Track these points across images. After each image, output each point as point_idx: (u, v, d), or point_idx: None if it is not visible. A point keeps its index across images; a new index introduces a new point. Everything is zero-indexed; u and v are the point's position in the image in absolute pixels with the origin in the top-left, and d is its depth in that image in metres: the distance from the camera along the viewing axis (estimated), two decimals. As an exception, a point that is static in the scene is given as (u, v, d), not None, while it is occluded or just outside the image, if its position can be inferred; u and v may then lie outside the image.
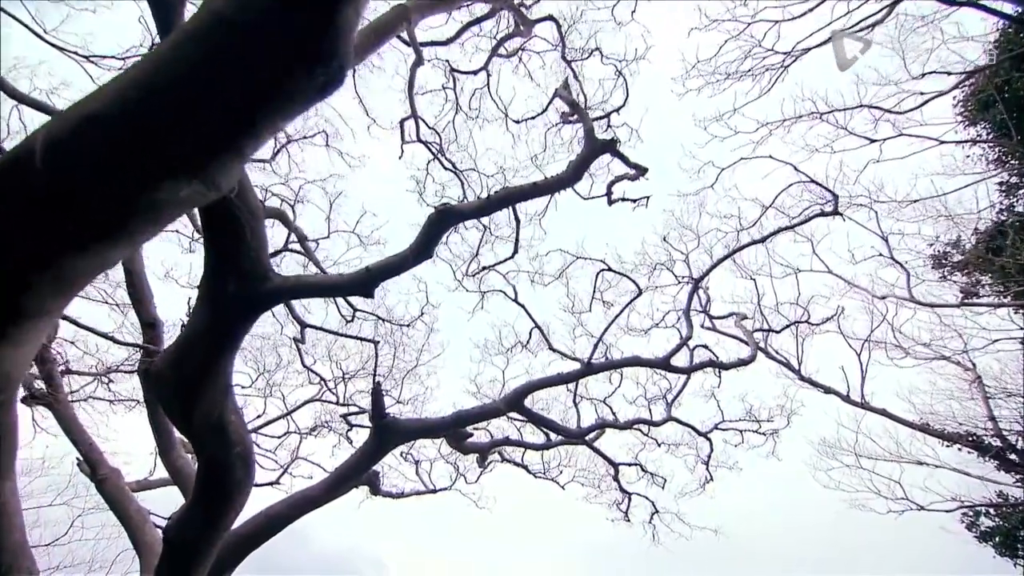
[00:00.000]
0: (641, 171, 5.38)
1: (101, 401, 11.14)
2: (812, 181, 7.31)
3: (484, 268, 7.21)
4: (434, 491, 9.07)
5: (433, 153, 8.71)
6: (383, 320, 7.79)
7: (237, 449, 4.40)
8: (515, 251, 6.15)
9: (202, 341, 3.82)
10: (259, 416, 9.43)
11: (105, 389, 10.97)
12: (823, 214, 7.25)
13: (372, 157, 10.55)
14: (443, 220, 4.05)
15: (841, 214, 7.20)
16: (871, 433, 11.39)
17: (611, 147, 4.68)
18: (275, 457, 10.92)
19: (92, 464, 7.57)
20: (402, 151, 8.81)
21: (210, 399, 4.01)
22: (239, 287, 3.79)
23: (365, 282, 3.99)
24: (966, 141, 8.53)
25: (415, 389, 8.97)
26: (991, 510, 11.49)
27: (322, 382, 9.42)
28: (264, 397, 9.59)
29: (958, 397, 10.85)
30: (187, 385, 3.88)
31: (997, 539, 11.59)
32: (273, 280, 3.86)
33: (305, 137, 10.10)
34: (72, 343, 9.29)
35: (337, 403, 8.79)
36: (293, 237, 7.38)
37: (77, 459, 8.03)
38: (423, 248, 4.07)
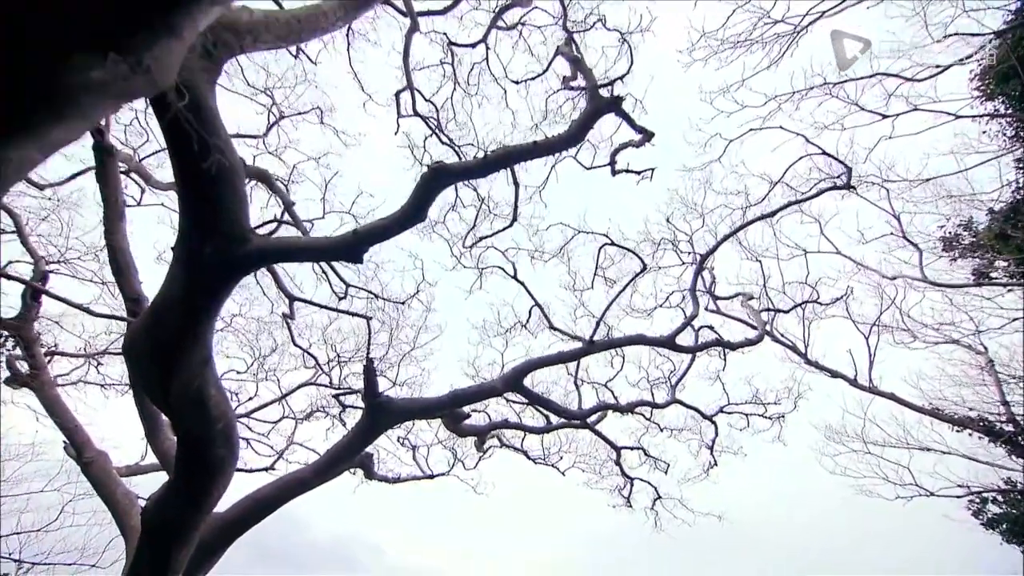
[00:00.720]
0: (647, 136, 5.09)
1: (92, 385, 10.97)
2: (824, 153, 7.01)
3: (481, 238, 6.92)
4: (431, 476, 8.85)
5: (431, 127, 8.39)
6: (377, 297, 7.51)
7: (219, 425, 4.15)
8: (514, 219, 5.86)
9: (178, 306, 3.54)
10: (251, 398, 9.20)
11: (96, 372, 10.80)
12: (836, 187, 6.96)
13: (368, 136, 10.25)
14: (436, 179, 3.77)
15: (854, 187, 6.91)
16: (877, 419, 11.19)
17: (616, 106, 4.38)
18: (269, 443, 10.74)
19: (78, 447, 7.34)
20: (398, 125, 8.51)
21: (188, 369, 3.75)
22: (216, 248, 3.52)
23: (352, 245, 3.72)
24: (984, 115, 8.21)
25: (412, 371, 8.73)
26: (999, 497, 11.30)
27: (316, 365, 9.19)
28: (256, 381, 9.35)
29: (967, 383, 10.64)
30: (162, 352, 3.62)
31: (1004, 526, 11.41)
32: (253, 241, 3.58)
33: (299, 113, 9.82)
34: (58, 323, 9.06)
35: (330, 386, 8.54)
36: (280, 207, 7.06)
37: (64, 442, 7.81)
38: (415, 210, 3.79)
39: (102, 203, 6.38)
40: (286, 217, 8.04)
